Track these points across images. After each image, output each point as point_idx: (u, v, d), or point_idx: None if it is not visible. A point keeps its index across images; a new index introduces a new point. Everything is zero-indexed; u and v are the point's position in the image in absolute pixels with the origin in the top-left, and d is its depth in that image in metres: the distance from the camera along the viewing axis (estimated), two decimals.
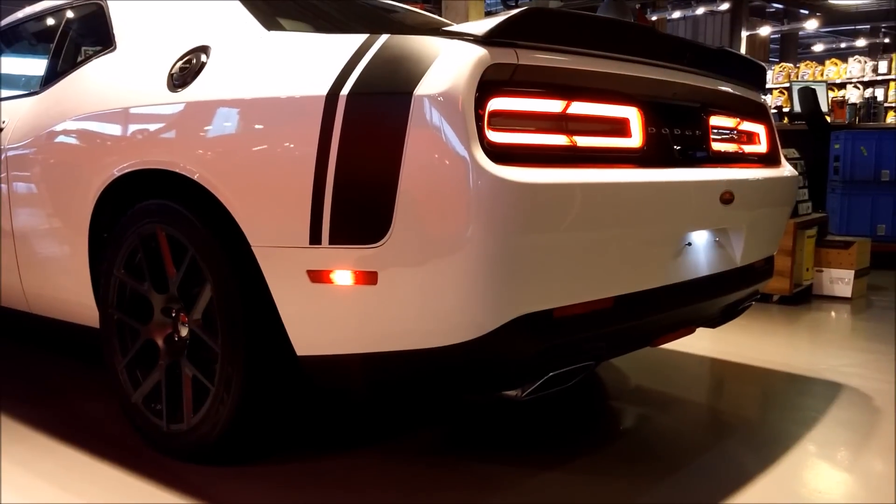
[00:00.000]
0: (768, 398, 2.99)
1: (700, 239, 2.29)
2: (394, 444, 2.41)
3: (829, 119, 7.44)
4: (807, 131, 6.98)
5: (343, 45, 1.93)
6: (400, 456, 2.33)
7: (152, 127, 2.25)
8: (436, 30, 1.87)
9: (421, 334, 1.83)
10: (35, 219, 2.74)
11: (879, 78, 11.16)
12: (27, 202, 2.77)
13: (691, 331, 2.51)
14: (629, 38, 2.10)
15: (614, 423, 2.74)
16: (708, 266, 2.32)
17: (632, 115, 2.05)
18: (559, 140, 1.88)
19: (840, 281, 5.04)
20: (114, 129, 2.38)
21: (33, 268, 2.79)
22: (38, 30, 3.35)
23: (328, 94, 1.85)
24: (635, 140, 2.05)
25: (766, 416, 2.77)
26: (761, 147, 2.71)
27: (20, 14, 3.41)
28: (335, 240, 1.83)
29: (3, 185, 2.85)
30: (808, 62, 11.97)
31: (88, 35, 2.98)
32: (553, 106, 1.88)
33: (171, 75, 2.26)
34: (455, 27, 1.87)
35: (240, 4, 2.35)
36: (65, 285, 2.67)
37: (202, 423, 2.15)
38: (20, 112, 2.87)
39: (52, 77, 2.90)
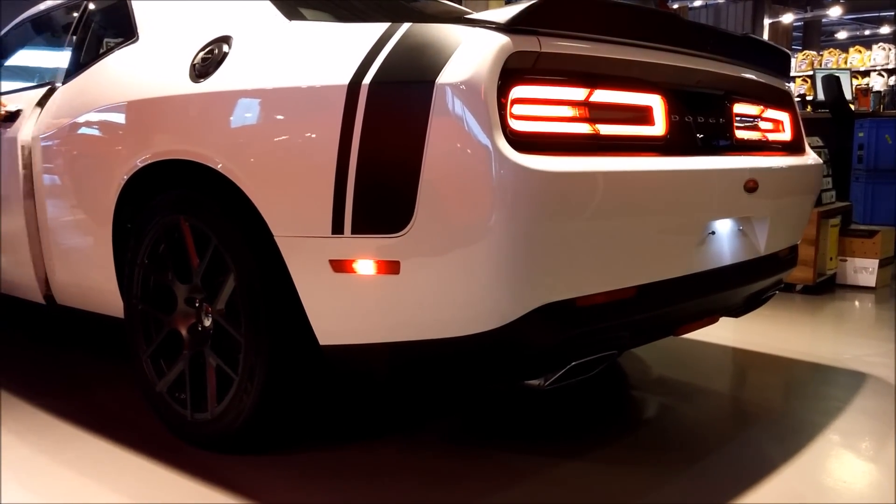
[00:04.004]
0: (792, 388, 2.97)
1: (724, 228, 2.27)
2: (415, 434, 2.41)
3: (853, 107, 7.35)
4: (831, 119, 6.91)
5: (365, 35, 1.93)
6: (421, 445, 2.33)
7: (175, 117, 2.26)
8: (458, 18, 1.86)
9: (444, 323, 1.83)
10: (60, 210, 2.76)
11: None
12: (52, 193, 2.79)
13: (714, 320, 2.50)
14: (652, 26, 2.08)
15: (637, 412, 2.73)
16: (731, 255, 2.30)
17: (655, 102, 2.04)
18: (582, 128, 1.87)
19: (864, 270, 4.99)
20: (137, 120, 2.40)
21: (59, 259, 2.81)
22: (61, 22, 3.37)
23: (350, 83, 1.84)
24: (658, 128, 2.04)
25: (790, 405, 2.75)
26: (785, 135, 2.68)
27: (42, 6, 3.43)
28: (358, 229, 1.83)
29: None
30: (831, 50, 11.83)
31: (111, 26, 2.99)
32: (576, 94, 1.86)
33: (193, 66, 2.27)
34: (477, 15, 1.86)
35: None
36: (90, 276, 2.69)
37: (226, 413, 2.17)
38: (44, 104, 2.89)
39: (74, 69, 2.92)
